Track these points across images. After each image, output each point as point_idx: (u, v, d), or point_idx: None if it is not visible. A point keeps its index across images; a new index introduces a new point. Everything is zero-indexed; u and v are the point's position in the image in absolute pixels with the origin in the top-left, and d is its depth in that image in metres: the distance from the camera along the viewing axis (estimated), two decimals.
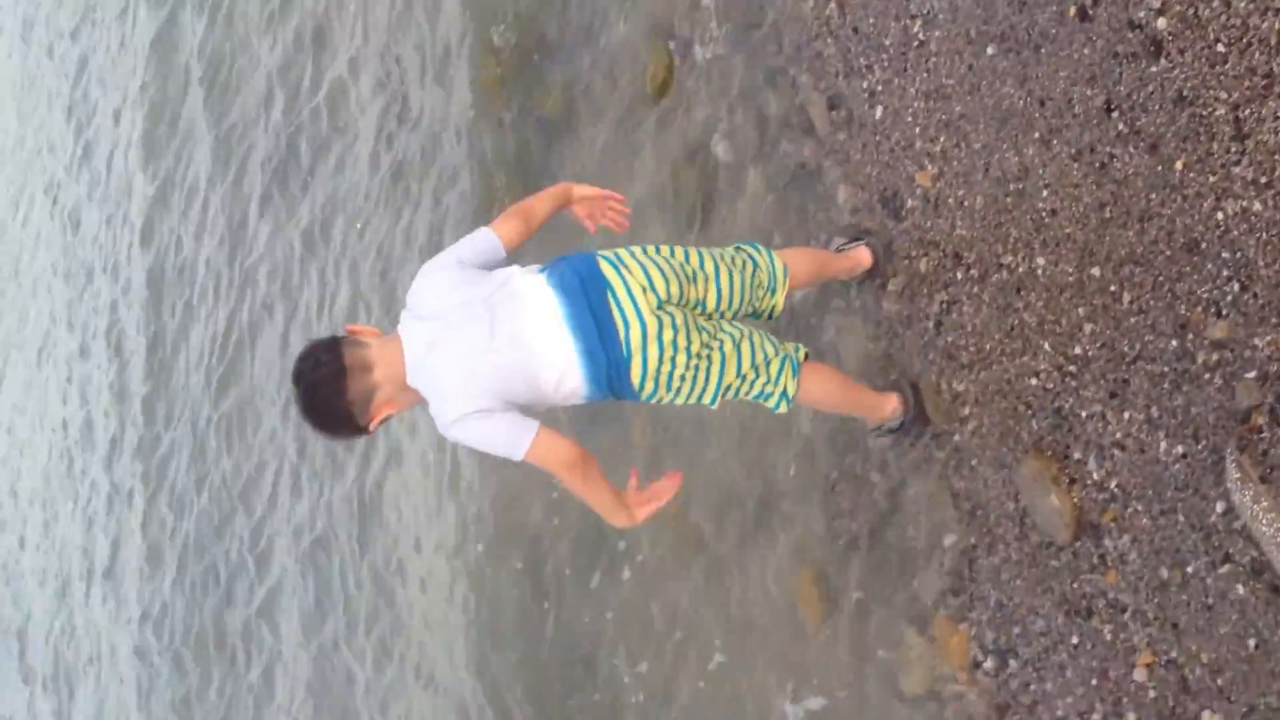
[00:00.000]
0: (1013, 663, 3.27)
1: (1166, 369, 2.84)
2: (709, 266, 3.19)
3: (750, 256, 3.32)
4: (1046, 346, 3.16)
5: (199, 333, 8.23)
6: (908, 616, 3.62)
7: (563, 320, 2.98)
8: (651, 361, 2.99)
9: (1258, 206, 2.60)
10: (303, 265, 7.09)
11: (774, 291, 3.35)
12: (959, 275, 3.44)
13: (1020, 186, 3.23)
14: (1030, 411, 3.22)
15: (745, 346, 3.15)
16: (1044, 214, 3.16)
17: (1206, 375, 2.74)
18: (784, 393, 3.24)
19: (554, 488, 5.17)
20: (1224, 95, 2.67)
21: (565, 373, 2.99)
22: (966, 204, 3.41)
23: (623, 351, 2.98)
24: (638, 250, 3.13)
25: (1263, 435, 2.60)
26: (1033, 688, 3.20)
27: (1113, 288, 2.97)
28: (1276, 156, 2.56)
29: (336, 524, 6.73)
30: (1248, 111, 2.63)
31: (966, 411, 3.41)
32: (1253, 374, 2.63)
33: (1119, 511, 2.97)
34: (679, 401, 3.15)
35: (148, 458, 8.79)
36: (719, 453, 4.42)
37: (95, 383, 9.81)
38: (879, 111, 3.72)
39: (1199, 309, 2.76)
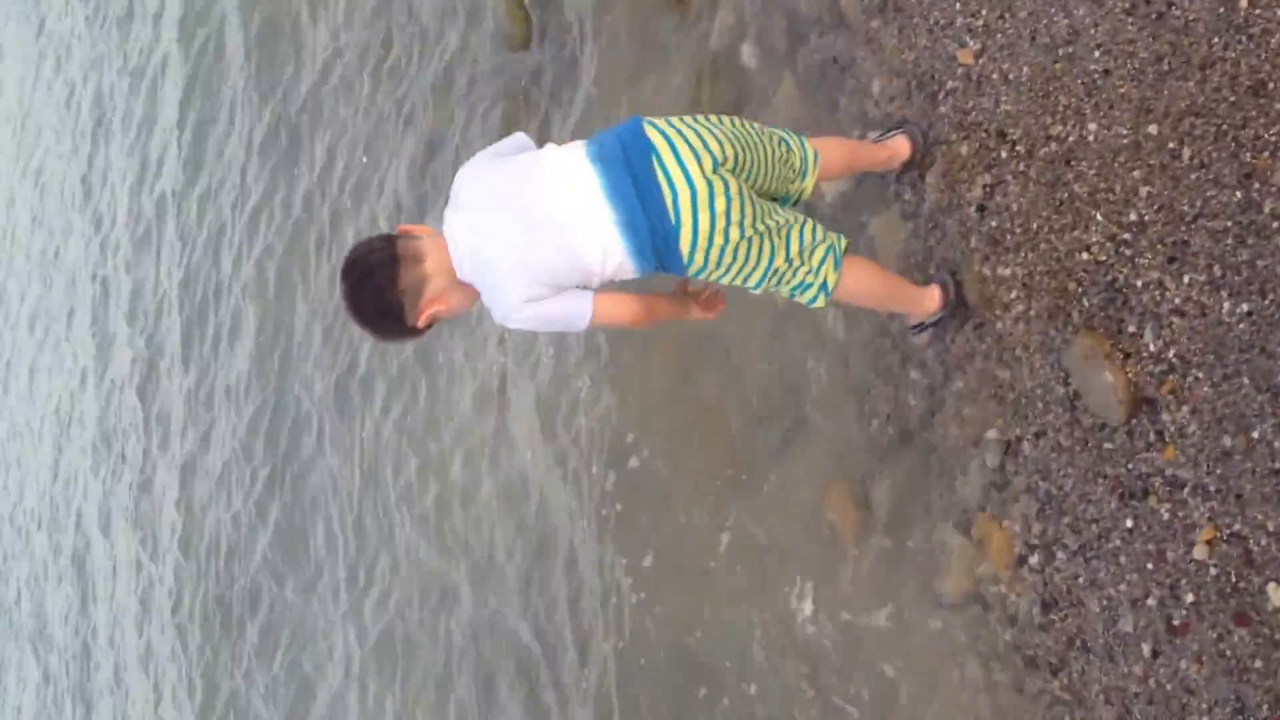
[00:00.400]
0: (1060, 554, 3.10)
1: (1230, 224, 2.67)
2: (754, 136, 3.03)
3: (784, 138, 3.17)
4: (1099, 217, 2.99)
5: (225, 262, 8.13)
6: (948, 518, 3.45)
7: (599, 191, 2.81)
8: (703, 231, 2.81)
9: None
10: (315, 204, 6.97)
11: (804, 176, 3.20)
12: (1003, 154, 3.27)
13: (1070, 50, 3.06)
14: (1080, 289, 3.04)
15: (795, 229, 2.99)
16: (1096, 76, 2.99)
17: (1275, 224, 2.57)
18: (824, 284, 3.06)
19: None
20: None
21: (608, 249, 2.83)
22: (1012, 77, 3.24)
23: (670, 220, 2.79)
24: (687, 116, 2.95)
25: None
26: (1081, 579, 3.03)
27: (1171, 144, 2.81)
28: None
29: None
30: None
31: (1012, 296, 3.24)
32: None
33: (1178, 382, 2.80)
34: (725, 280, 2.97)
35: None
36: (745, 364, 4.26)
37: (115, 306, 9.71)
38: None
39: (1266, 154, 2.59)
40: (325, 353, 6.84)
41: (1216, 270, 2.69)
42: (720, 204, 2.80)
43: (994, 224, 3.30)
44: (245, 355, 7.77)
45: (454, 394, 5.85)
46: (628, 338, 4.60)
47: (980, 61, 3.34)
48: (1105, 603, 2.96)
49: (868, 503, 3.72)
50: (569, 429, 5.07)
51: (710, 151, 2.84)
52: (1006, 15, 3.25)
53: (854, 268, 3.17)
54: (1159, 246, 2.83)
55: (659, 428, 4.66)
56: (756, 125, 3.10)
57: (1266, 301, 2.59)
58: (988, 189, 3.32)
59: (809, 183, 3.22)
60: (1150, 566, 2.85)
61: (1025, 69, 3.19)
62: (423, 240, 2.90)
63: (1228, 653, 2.66)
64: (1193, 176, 2.75)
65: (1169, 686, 2.78)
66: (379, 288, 2.85)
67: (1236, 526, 2.65)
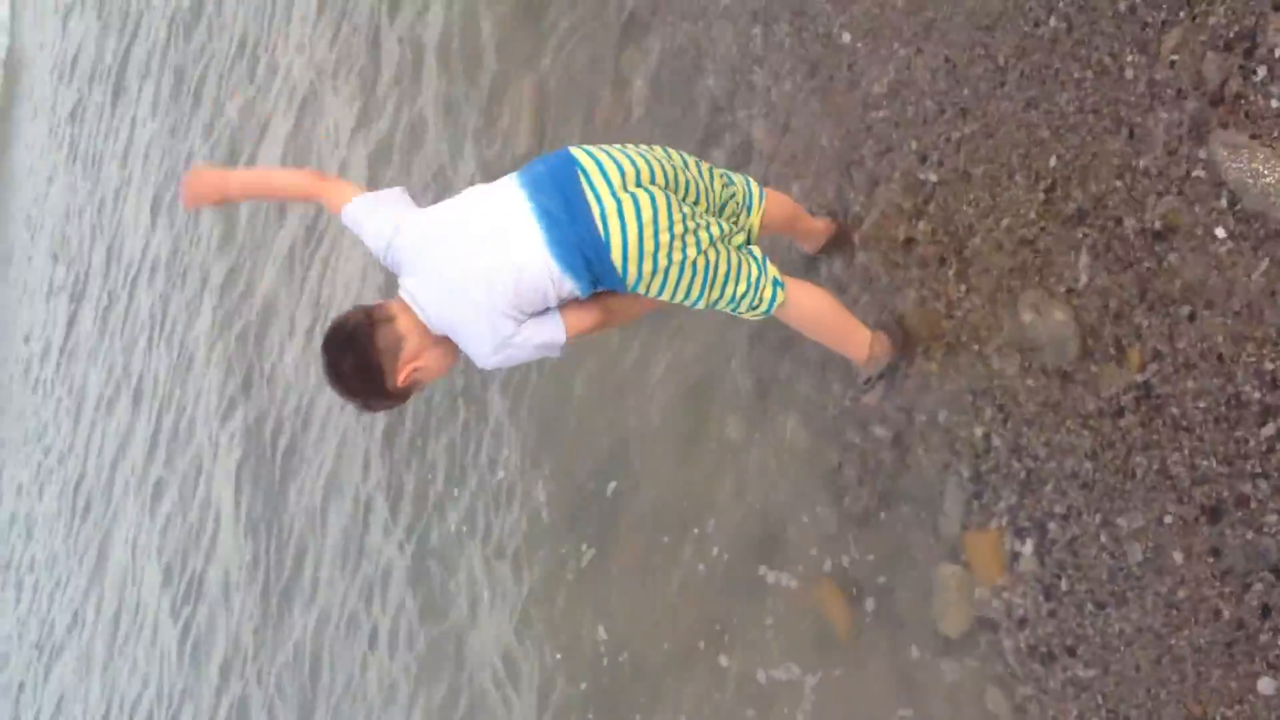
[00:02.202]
0: (1052, 526, 2.90)
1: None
2: (692, 163, 3.13)
3: (726, 172, 3.29)
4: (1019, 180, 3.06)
5: None
6: (938, 555, 3.23)
7: (530, 214, 2.88)
8: (632, 240, 2.84)
9: None
10: None
11: (750, 210, 3.29)
12: (930, 178, 3.38)
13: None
14: (1017, 256, 3.05)
15: (732, 238, 3.05)
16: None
17: (1169, 93, 2.64)
18: (775, 281, 3.08)
19: None
20: None
21: (547, 266, 2.85)
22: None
23: (599, 233, 2.83)
24: (619, 144, 3.04)
25: (1240, 99, 2.47)
26: (1078, 537, 2.82)
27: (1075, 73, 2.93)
28: None
29: None
30: None
31: (958, 296, 3.23)
32: (1214, 52, 2.54)
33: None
34: (666, 294, 2.97)
35: None
36: (721, 499, 4.10)
37: None
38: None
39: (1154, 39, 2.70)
40: None
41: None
42: (646, 211, 2.85)
43: (922, 250, 3.35)
44: None
45: None
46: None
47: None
48: (1115, 546, 2.73)
49: (859, 591, 3.47)
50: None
51: (637, 168, 2.92)
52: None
53: (803, 285, 3.22)
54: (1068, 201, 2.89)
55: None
56: (695, 159, 3.19)
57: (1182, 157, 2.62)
58: (914, 219, 3.39)
59: (755, 219, 3.30)
60: (1152, 487, 2.67)
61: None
62: (393, 303, 2.97)
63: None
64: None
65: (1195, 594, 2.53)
66: (359, 349, 2.89)
67: (1239, 347, 2.52)
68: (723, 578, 4.03)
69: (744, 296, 3.05)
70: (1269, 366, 2.43)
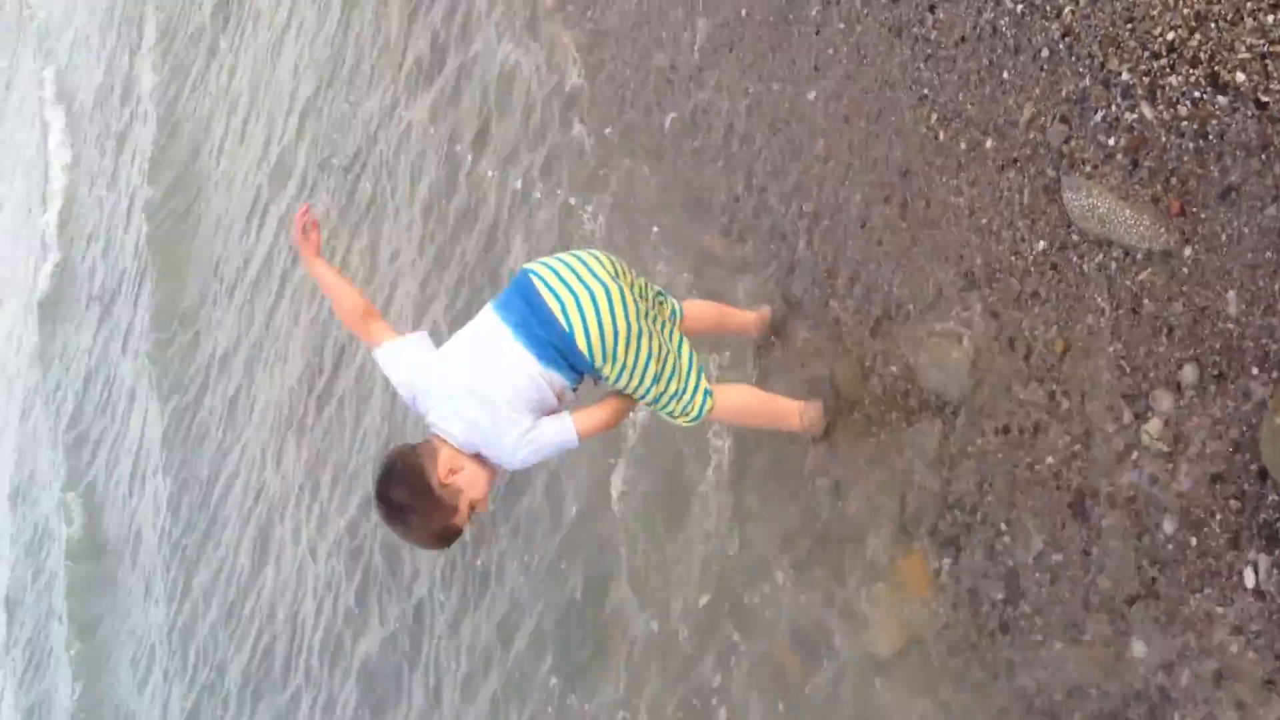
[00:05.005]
0: (963, 539, 3.30)
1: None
2: (630, 269, 3.65)
3: (656, 287, 3.82)
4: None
5: None
6: (866, 587, 3.64)
7: (501, 323, 3.43)
8: (593, 329, 3.32)
9: None
10: None
11: (674, 319, 3.81)
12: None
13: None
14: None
15: (678, 335, 3.57)
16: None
17: (1029, 155, 3.16)
18: (706, 391, 3.54)
19: None
20: None
21: (532, 366, 3.36)
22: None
23: (563, 326, 3.33)
24: (567, 252, 3.57)
25: (1079, 147, 2.99)
26: (996, 546, 3.21)
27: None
28: None
29: None
30: None
31: (875, 361, 3.71)
32: (1060, 119, 3.07)
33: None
34: (624, 380, 3.44)
35: None
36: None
37: None
38: None
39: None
40: None
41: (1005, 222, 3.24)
42: (602, 301, 3.35)
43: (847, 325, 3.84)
44: None
45: None
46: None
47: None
48: (1026, 562, 3.13)
49: (811, 646, 3.83)
50: None
51: (588, 266, 3.44)
52: None
53: (726, 387, 3.72)
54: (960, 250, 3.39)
55: None
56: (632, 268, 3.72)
57: (1042, 233, 3.12)
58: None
59: (679, 327, 3.78)
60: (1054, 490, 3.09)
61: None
62: (431, 437, 3.49)
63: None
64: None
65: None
66: (403, 465, 3.41)
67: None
68: None
69: (680, 394, 3.51)
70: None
